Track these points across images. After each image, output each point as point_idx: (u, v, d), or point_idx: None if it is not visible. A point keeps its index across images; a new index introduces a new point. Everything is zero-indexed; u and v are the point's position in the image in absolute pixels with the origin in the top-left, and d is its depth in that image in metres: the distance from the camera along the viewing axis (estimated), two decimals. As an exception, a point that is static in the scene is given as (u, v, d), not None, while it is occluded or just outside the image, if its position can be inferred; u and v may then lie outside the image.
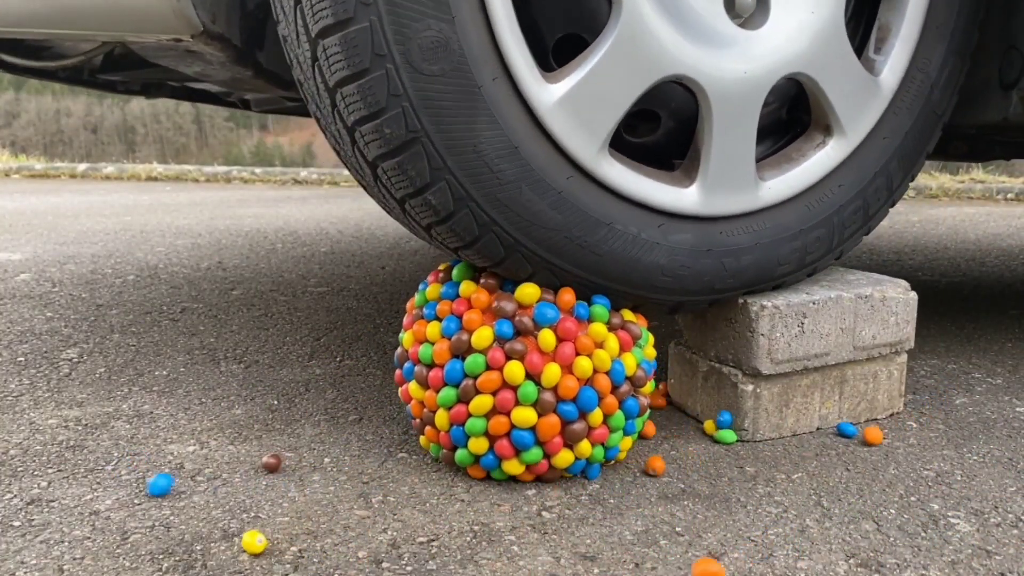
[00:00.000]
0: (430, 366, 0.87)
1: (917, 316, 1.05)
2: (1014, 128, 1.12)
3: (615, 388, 0.85)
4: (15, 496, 0.84)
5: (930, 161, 1.09)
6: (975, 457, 0.95)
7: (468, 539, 0.76)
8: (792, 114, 1.01)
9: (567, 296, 0.86)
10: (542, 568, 0.71)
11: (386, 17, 0.74)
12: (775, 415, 0.98)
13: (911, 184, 1.07)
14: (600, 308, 0.87)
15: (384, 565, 0.72)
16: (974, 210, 3.61)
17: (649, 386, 0.91)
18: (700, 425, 1.03)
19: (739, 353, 0.97)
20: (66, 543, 0.75)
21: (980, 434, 1.02)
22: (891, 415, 1.07)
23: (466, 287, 0.87)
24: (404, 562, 0.72)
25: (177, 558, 0.72)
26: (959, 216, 3.37)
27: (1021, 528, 0.79)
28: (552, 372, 0.82)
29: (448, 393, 0.84)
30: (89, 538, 0.76)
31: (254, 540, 0.73)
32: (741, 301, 0.96)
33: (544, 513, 0.81)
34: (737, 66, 0.88)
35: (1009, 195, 4.07)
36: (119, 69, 1.39)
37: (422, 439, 0.92)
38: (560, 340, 0.84)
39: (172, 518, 0.79)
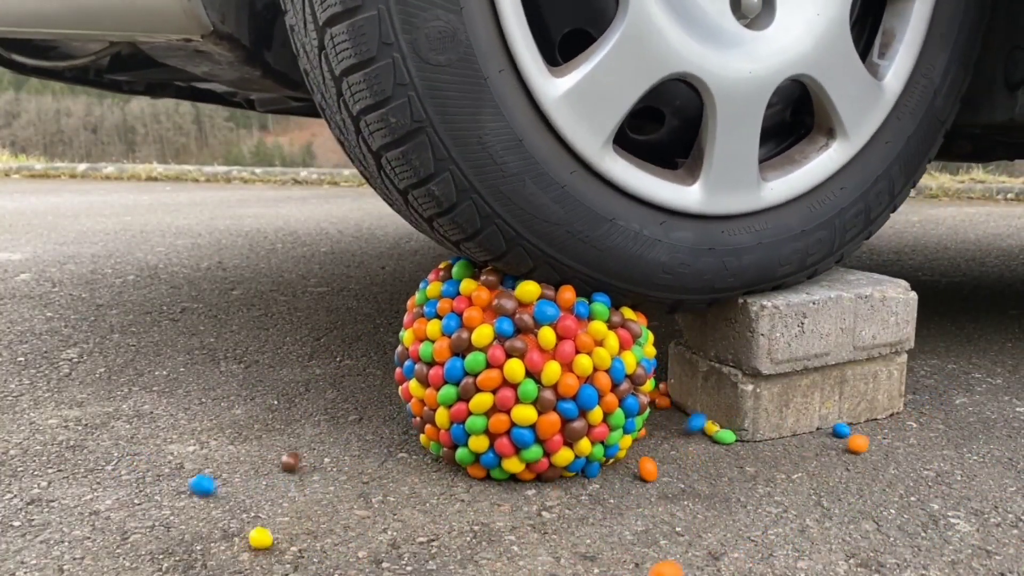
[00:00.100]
0: (430, 364, 0.87)
1: (917, 316, 1.05)
2: (1019, 128, 1.13)
3: (615, 386, 0.86)
4: (15, 496, 0.84)
5: (931, 161, 1.09)
6: (975, 457, 0.95)
7: (468, 539, 0.76)
8: (796, 116, 1.02)
9: (567, 294, 0.86)
10: (542, 568, 0.71)
11: (394, 6, 0.74)
12: (775, 415, 0.98)
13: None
14: (600, 306, 0.87)
15: (384, 565, 0.72)
16: (974, 210, 3.61)
17: (649, 384, 0.91)
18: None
19: (739, 353, 0.97)
20: (66, 543, 0.75)
21: (980, 434, 1.02)
22: (891, 415, 1.07)
23: (467, 285, 0.87)
24: (404, 562, 0.72)
25: (177, 558, 0.72)
26: (959, 216, 3.37)
27: (1021, 528, 0.79)
28: (552, 370, 0.82)
29: (448, 391, 0.84)
30: (89, 538, 0.76)
31: (262, 536, 0.73)
32: (741, 301, 0.96)
33: (544, 513, 0.81)
34: (742, 66, 0.89)
35: (1009, 195, 4.07)
36: (126, 69, 1.40)
37: (422, 437, 0.92)
38: (560, 338, 0.84)
39: (172, 518, 0.79)
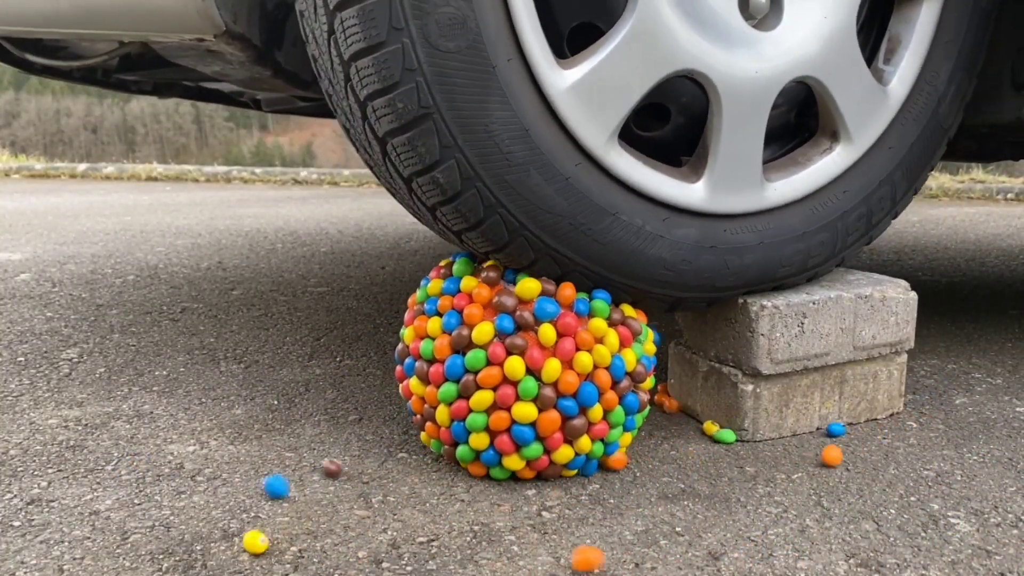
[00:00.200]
0: (431, 361, 0.87)
1: (917, 316, 1.05)
2: None
3: (615, 384, 0.86)
4: (15, 496, 0.84)
5: (934, 168, 1.09)
6: (975, 457, 0.95)
7: (468, 539, 0.76)
8: (800, 119, 1.02)
9: (567, 291, 0.86)
10: (542, 568, 0.71)
11: None
12: (775, 415, 0.98)
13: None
14: (600, 303, 0.87)
15: (384, 565, 0.72)
16: (974, 210, 3.61)
17: (649, 382, 0.91)
18: (700, 425, 1.03)
19: (739, 353, 0.97)
20: (66, 543, 0.75)
21: (980, 434, 1.02)
22: (891, 415, 1.07)
23: (467, 282, 0.87)
24: (404, 562, 0.72)
25: (177, 558, 0.72)
26: (959, 216, 3.37)
27: (1021, 528, 0.79)
28: (552, 367, 0.82)
29: (449, 388, 0.84)
30: (89, 538, 0.76)
31: (256, 540, 0.73)
32: (741, 301, 0.96)
33: (544, 513, 0.81)
34: (749, 65, 0.89)
35: (1009, 195, 4.07)
36: (135, 69, 1.40)
37: (423, 435, 0.92)
38: (560, 335, 0.84)
39: (172, 518, 0.80)
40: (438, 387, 0.86)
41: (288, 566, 0.71)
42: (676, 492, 0.86)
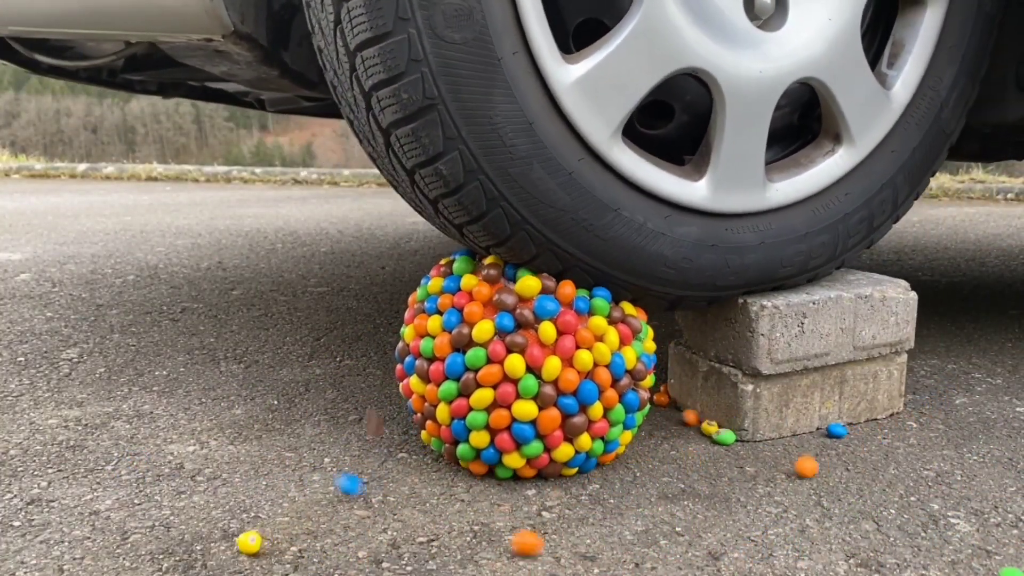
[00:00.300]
0: (431, 360, 0.87)
1: (917, 316, 1.05)
2: None
3: (615, 381, 0.86)
4: (15, 496, 0.84)
5: (935, 173, 1.10)
6: (975, 457, 0.95)
7: (468, 539, 0.76)
8: (803, 121, 1.02)
9: (567, 289, 0.86)
10: (542, 568, 0.71)
11: None
12: (775, 415, 0.98)
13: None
14: (600, 301, 0.87)
15: (384, 565, 0.72)
16: (974, 210, 3.61)
17: (649, 380, 0.91)
18: (699, 425, 1.03)
19: (739, 353, 0.97)
20: (66, 543, 0.75)
21: (980, 434, 1.02)
22: (891, 415, 1.07)
23: (468, 281, 0.87)
24: (404, 562, 0.72)
25: (177, 558, 0.72)
26: (959, 216, 3.37)
27: (1021, 528, 0.79)
28: (552, 365, 0.82)
29: (449, 387, 0.84)
30: (89, 538, 0.76)
31: (247, 540, 0.72)
32: (741, 301, 0.96)
33: (544, 513, 0.81)
34: (753, 65, 0.89)
35: (1009, 195, 4.07)
36: (140, 69, 1.40)
37: (423, 434, 0.92)
38: (560, 333, 0.84)
39: (172, 518, 0.80)
40: (438, 385, 0.86)
41: (288, 566, 0.71)
42: (676, 492, 0.86)
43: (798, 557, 0.73)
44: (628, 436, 0.90)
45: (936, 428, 1.04)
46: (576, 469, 0.88)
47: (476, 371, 0.83)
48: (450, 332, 0.85)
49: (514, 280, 0.87)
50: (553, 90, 0.82)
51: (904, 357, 1.06)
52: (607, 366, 0.85)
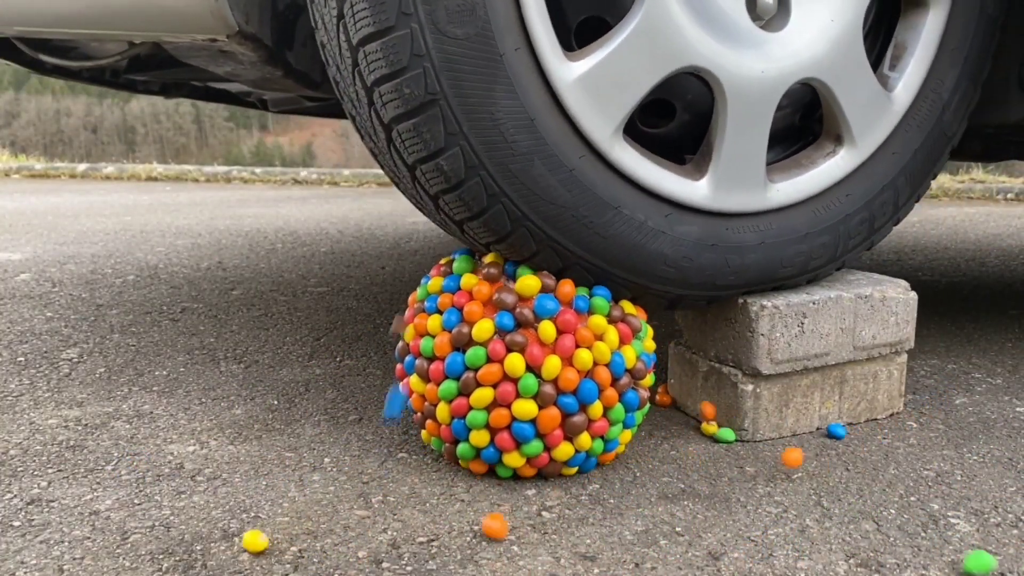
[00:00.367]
0: (431, 359, 0.87)
1: (917, 316, 1.05)
2: None
3: (615, 380, 0.86)
4: (15, 496, 0.84)
5: (936, 176, 1.10)
6: (975, 457, 0.95)
7: (468, 539, 0.76)
8: (805, 121, 1.02)
9: (567, 288, 0.86)
10: (542, 568, 0.71)
11: None
12: (775, 415, 0.98)
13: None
14: (600, 300, 0.87)
15: (384, 565, 0.72)
16: (974, 210, 3.61)
17: (649, 379, 0.91)
18: (700, 425, 1.03)
19: (739, 353, 0.97)
20: (66, 543, 0.75)
21: (980, 434, 1.02)
22: (891, 415, 1.07)
23: (467, 280, 0.87)
24: (404, 562, 0.72)
25: (177, 558, 0.72)
26: (959, 216, 3.37)
27: (1021, 528, 0.79)
28: (552, 364, 0.82)
29: (449, 386, 0.84)
30: (89, 538, 0.76)
31: (256, 539, 0.73)
32: (741, 301, 0.96)
33: (544, 513, 0.81)
34: (755, 64, 0.89)
35: (1009, 195, 4.07)
36: (144, 69, 1.40)
37: (423, 433, 0.92)
38: (560, 332, 0.84)
39: (172, 518, 0.80)
40: (438, 384, 0.86)
41: (288, 566, 0.71)
42: (676, 492, 0.86)
43: (798, 557, 0.73)
44: (628, 435, 0.90)
45: (936, 428, 1.04)
46: (576, 468, 0.88)
47: (476, 370, 0.83)
48: (450, 331, 0.85)
49: (514, 279, 0.87)
50: (555, 87, 0.82)
51: (904, 357, 1.06)
52: (607, 365, 0.85)
